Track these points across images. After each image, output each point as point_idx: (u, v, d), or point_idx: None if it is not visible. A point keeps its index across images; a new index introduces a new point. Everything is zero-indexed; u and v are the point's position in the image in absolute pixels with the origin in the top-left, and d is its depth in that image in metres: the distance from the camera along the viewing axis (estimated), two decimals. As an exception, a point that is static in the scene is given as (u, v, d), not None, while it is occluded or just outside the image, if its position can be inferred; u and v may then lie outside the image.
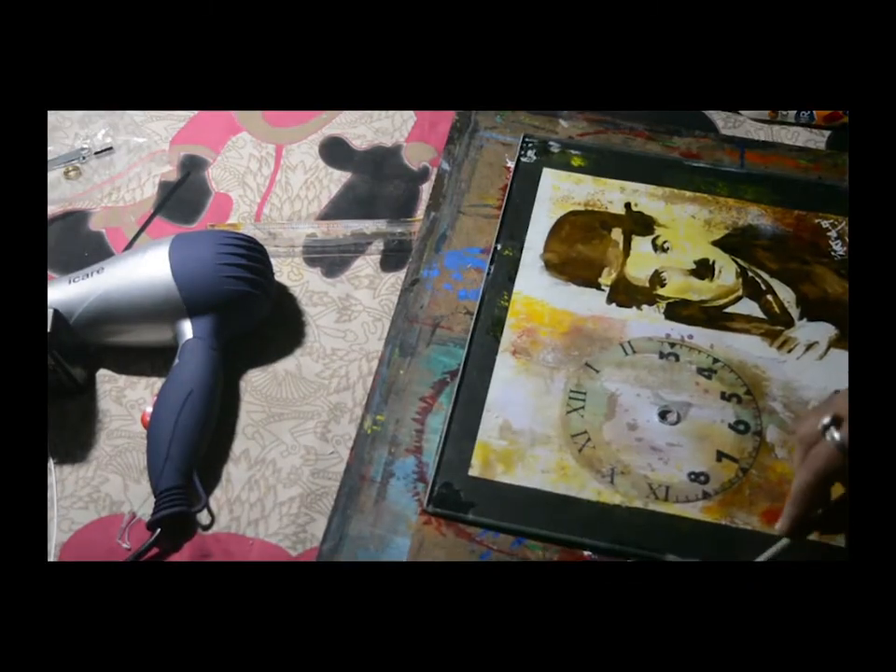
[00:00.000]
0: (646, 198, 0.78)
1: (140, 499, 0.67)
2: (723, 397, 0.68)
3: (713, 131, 0.85)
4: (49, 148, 0.85)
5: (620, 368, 0.69)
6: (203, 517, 0.67)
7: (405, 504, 0.64)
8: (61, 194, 0.83)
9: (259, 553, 0.65)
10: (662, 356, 0.70)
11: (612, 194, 0.78)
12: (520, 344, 0.70)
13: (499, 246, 0.75)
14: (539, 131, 0.83)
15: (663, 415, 0.67)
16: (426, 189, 0.82)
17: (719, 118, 0.86)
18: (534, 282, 0.73)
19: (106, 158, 0.85)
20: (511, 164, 0.80)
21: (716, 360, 0.69)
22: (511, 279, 0.74)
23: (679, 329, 0.71)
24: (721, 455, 0.65)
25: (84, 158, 0.84)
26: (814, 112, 0.84)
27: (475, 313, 0.72)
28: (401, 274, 0.77)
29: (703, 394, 0.68)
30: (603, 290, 0.73)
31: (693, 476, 0.65)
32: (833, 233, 0.76)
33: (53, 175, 0.84)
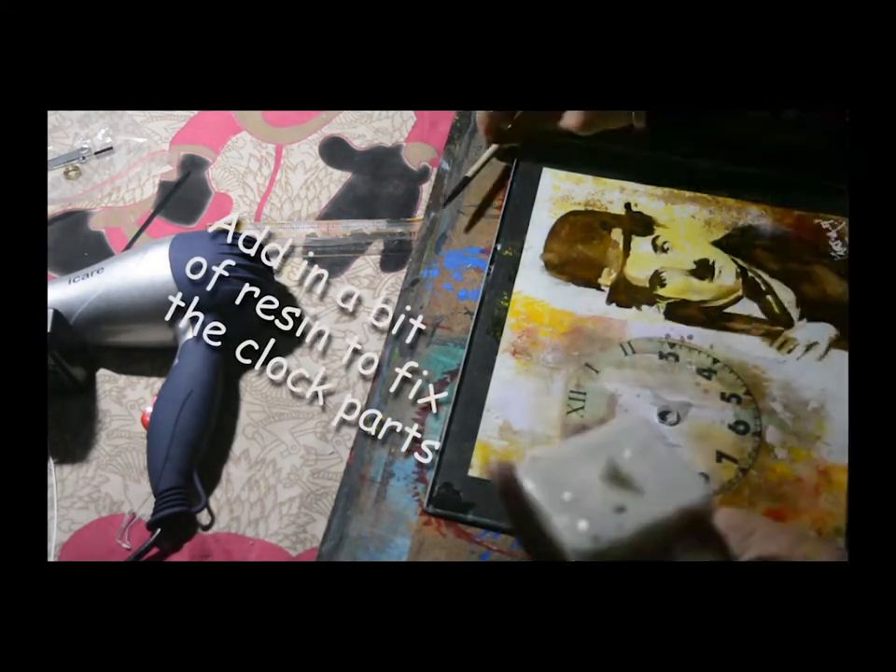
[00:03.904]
0: (646, 198, 0.78)
1: (140, 499, 0.68)
2: (723, 397, 0.68)
3: (713, 131, 0.85)
4: (49, 148, 0.85)
5: (620, 368, 0.69)
6: (203, 517, 0.67)
7: (405, 504, 0.64)
8: (61, 194, 0.83)
9: (258, 553, 0.65)
10: (661, 356, 0.70)
11: (612, 194, 0.78)
12: (520, 344, 0.70)
13: (499, 246, 0.75)
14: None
15: (662, 416, 0.67)
16: (426, 189, 0.82)
17: (719, 118, 0.86)
18: (534, 282, 0.73)
19: (106, 158, 0.85)
20: (511, 164, 0.80)
21: (716, 361, 0.69)
22: (511, 279, 0.74)
23: (678, 330, 0.71)
24: (720, 456, 0.65)
25: (84, 158, 0.84)
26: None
27: (475, 313, 0.72)
28: (401, 274, 0.77)
29: (703, 394, 0.68)
30: (603, 290, 0.73)
31: (692, 476, 0.65)
32: (832, 233, 0.76)
33: (53, 175, 0.84)
